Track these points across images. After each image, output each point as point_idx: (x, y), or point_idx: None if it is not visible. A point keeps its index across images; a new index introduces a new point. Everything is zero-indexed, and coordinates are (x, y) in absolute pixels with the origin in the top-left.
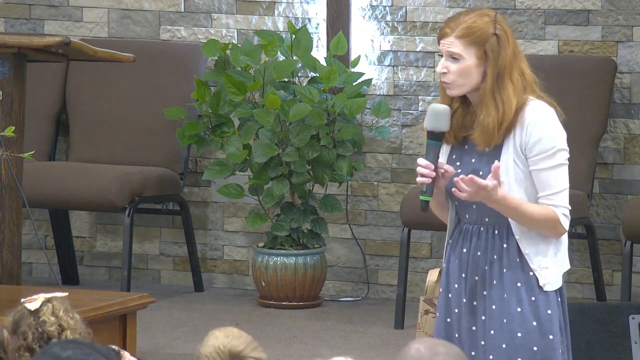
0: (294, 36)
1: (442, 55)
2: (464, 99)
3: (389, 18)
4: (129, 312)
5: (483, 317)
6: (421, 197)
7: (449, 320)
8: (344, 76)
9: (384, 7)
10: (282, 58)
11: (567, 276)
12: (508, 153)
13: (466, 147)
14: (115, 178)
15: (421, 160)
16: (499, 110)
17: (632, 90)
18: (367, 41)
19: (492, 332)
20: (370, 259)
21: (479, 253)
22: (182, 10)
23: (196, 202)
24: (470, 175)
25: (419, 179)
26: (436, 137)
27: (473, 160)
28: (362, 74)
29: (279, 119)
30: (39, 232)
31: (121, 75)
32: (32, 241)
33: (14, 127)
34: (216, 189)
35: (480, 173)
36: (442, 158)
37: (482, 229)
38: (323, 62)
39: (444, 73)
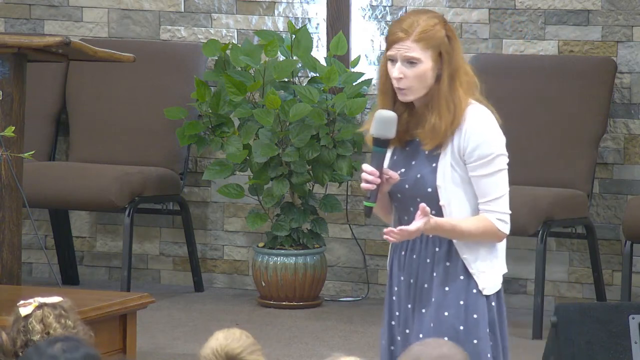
0: (294, 36)
1: (392, 60)
2: (408, 103)
3: (389, 18)
4: (129, 312)
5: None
6: (365, 203)
7: (393, 323)
8: (344, 76)
9: (384, 7)
10: (282, 58)
11: (568, 276)
12: (446, 157)
13: (407, 148)
14: (115, 178)
15: (366, 167)
16: (450, 113)
17: (632, 90)
18: (367, 41)
19: (420, 335)
20: (370, 259)
21: (414, 256)
22: (182, 10)
23: (196, 202)
24: (399, 227)
25: (363, 185)
26: (382, 144)
27: (413, 163)
28: (362, 74)
29: (279, 119)
30: (39, 232)
31: (121, 75)
32: (32, 241)
33: (14, 127)
34: (216, 189)
35: (418, 176)
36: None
37: None
38: (323, 62)
39: (400, 79)
